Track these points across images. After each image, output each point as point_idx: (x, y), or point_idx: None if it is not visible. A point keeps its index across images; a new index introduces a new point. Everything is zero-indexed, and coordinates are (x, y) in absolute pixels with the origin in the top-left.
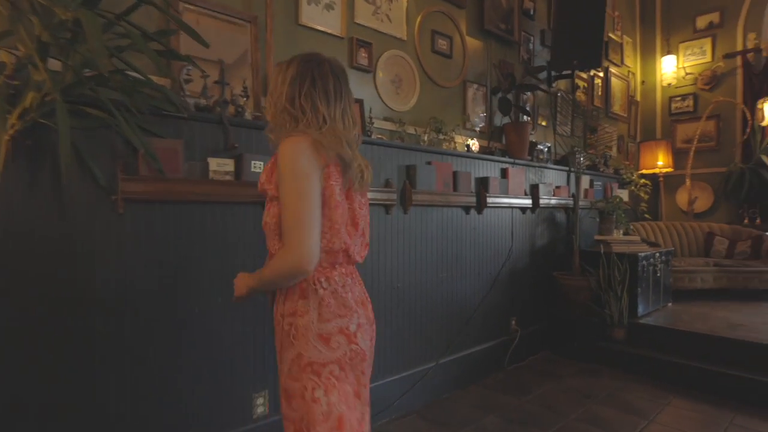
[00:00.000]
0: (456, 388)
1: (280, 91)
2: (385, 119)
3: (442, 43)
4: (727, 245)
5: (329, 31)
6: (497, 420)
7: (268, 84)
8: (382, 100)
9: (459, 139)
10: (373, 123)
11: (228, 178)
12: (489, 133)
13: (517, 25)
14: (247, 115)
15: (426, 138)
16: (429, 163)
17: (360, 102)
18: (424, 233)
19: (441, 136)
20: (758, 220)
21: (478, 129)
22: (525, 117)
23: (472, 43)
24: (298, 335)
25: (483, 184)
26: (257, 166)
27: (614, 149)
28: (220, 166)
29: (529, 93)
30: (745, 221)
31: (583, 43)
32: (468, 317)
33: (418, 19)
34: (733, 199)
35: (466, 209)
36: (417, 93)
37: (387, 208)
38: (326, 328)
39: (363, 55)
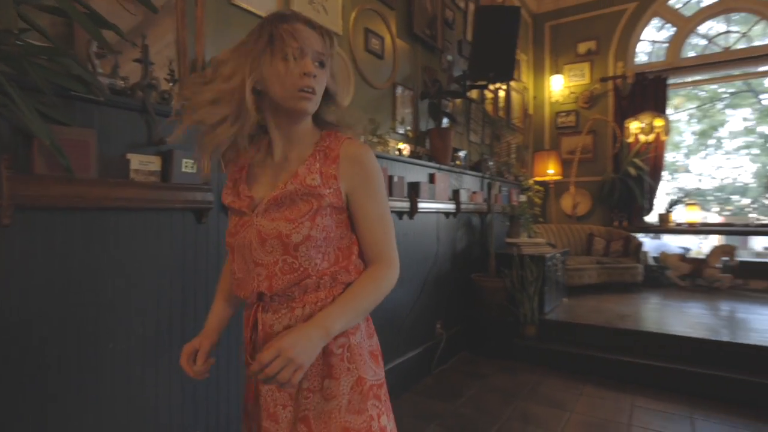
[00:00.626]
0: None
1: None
2: None
3: (375, 43)
4: (605, 245)
5: (264, 15)
6: (438, 429)
7: (198, 67)
8: None
9: (391, 142)
10: None
11: (153, 179)
12: (416, 138)
13: (440, 32)
14: (174, 104)
15: (362, 140)
16: None
17: None
18: None
19: (375, 139)
20: (626, 223)
21: (407, 133)
22: (448, 122)
23: (401, 45)
24: (353, 357)
25: (414, 189)
26: (189, 165)
27: (514, 157)
28: (143, 164)
29: (448, 100)
30: (616, 224)
31: (497, 57)
32: (400, 325)
33: (353, 15)
34: (606, 205)
35: (400, 215)
36: (352, 92)
37: None
38: (373, 344)
39: None
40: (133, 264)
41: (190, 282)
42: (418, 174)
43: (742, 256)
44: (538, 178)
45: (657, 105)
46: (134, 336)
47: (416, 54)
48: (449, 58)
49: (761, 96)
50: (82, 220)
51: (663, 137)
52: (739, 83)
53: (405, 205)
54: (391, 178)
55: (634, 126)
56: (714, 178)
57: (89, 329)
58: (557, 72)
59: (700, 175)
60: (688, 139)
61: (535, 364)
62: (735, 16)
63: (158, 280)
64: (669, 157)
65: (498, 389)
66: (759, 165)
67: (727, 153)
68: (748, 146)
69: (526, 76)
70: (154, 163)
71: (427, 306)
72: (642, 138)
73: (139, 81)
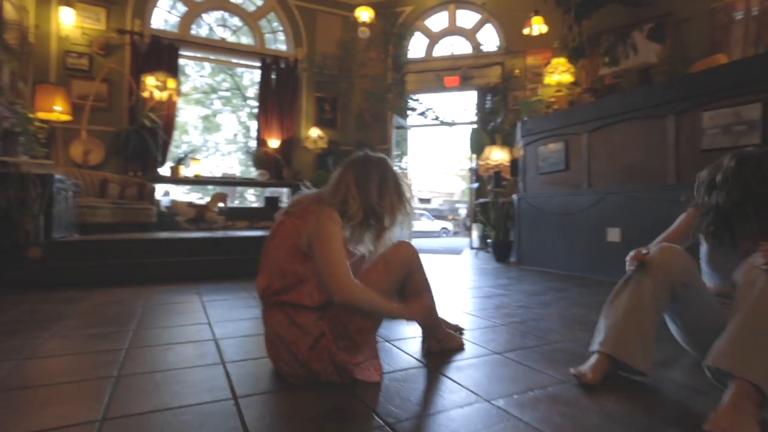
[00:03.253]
0: None
1: None
2: None
3: None
4: (119, 190)
5: None
6: None
7: None
8: None
9: None
10: None
11: None
12: None
13: None
14: None
15: None
16: None
17: None
18: None
19: None
20: (140, 173)
21: None
22: None
23: None
24: None
25: None
26: None
27: (6, 79)
28: None
29: None
30: (131, 174)
31: None
32: None
33: None
34: (121, 155)
35: None
36: None
37: None
38: None
39: None
40: None
41: None
42: None
43: (232, 204)
44: (43, 115)
45: (170, 68)
46: None
47: None
48: None
49: (247, 96)
50: None
51: (175, 98)
52: (230, 83)
53: None
54: None
55: (150, 81)
56: (214, 172)
57: None
58: (68, 5)
59: (206, 165)
60: (198, 123)
61: (46, 283)
62: (231, 18)
63: None
64: (186, 141)
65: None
66: (242, 167)
67: (227, 141)
68: (235, 136)
69: None
70: None
71: None
72: (157, 95)
73: None
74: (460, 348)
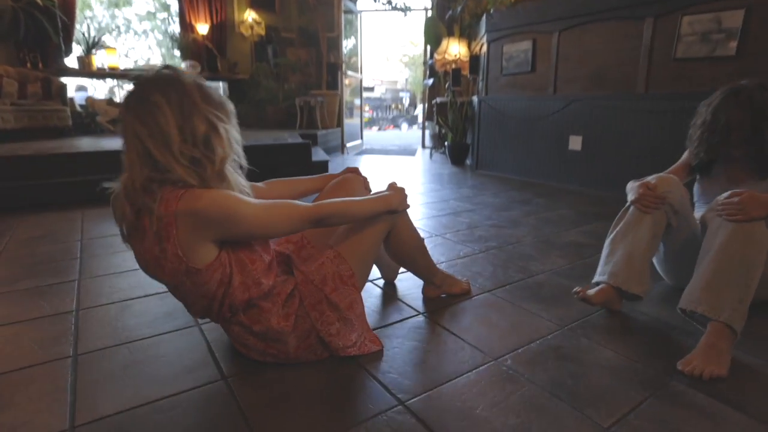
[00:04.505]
0: None
1: None
2: None
3: None
4: (17, 87)
5: None
6: None
7: None
8: None
9: None
10: None
11: None
12: None
13: None
14: None
15: None
16: None
17: None
18: None
19: None
20: (41, 65)
21: None
22: None
23: None
24: None
25: None
26: None
27: None
28: None
29: None
30: (28, 66)
31: None
32: None
33: None
34: (11, 40)
35: None
36: None
37: None
38: None
39: None
40: None
41: None
42: None
43: None
44: None
45: None
46: None
47: None
48: None
49: None
50: None
51: None
52: None
53: None
54: None
55: None
56: (130, 59)
57: None
58: None
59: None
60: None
61: None
62: None
63: None
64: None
65: None
66: (163, 51)
67: (140, 17)
68: (153, 14)
69: None
70: None
71: None
72: None
73: None
74: (464, 293)
